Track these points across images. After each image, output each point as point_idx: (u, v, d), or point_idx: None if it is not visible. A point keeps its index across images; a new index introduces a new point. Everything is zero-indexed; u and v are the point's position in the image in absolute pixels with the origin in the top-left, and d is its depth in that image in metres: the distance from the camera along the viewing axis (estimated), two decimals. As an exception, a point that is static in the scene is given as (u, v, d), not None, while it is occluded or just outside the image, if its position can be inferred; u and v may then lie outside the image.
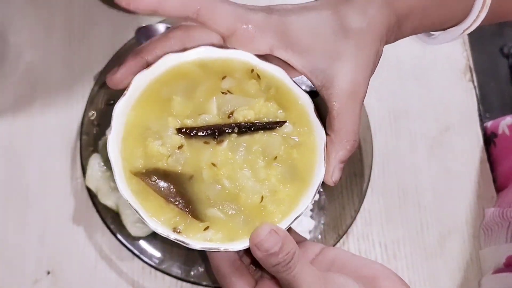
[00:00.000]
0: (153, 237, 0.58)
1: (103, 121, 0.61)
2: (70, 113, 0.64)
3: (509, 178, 0.66)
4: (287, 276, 0.35)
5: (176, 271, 0.57)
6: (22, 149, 0.62)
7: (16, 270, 0.58)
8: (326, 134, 0.40)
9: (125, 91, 0.39)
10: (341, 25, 0.39)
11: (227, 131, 0.39)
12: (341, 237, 0.61)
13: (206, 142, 0.39)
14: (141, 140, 0.39)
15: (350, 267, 0.39)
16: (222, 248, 0.37)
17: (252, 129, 0.40)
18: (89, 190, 0.58)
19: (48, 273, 0.58)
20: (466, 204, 0.66)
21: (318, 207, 0.57)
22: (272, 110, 0.41)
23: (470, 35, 0.74)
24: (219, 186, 0.39)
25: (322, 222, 0.55)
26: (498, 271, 0.59)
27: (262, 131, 0.40)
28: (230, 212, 0.38)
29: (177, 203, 0.38)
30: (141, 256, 0.57)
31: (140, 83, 0.39)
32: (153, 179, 0.38)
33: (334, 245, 0.60)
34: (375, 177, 0.65)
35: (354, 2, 0.40)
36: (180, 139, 0.39)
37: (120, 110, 0.39)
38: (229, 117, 0.40)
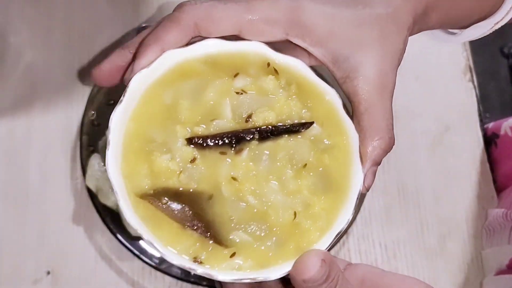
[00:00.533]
0: (153, 237, 0.58)
1: (103, 121, 0.61)
2: (70, 113, 0.64)
3: (510, 178, 0.66)
4: None
5: (176, 271, 0.57)
6: (22, 149, 0.62)
7: (16, 270, 0.58)
8: None
9: (122, 97, 0.33)
10: (363, 10, 0.34)
11: (246, 138, 0.34)
12: (341, 237, 0.61)
13: (222, 153, 0.34)
14: (145, 155, 0.33)
15: (382, 286, 0.35)
16: (260, 278, 0.31)
17: (275, 133, 0.34)
18: (89, 190, 0.58)
19: (48, 273, 0.58)
20: (466, 204, 0.66)
21: None
22: (296, 109, 0.35)
23: (470, 35, 0.74)
24: (243, 203, 0.33)
25: None
26: (500, 272, 0.59)
27: (286, 135, 0.34)
28: (258, 234, 0.33)
29: (195, 227, 0.32)
30: (141, 256, 0.57)
31: (138, 86, 0.33)
32: (164, 201, 0.32)
33: (333, 246, 0.60)
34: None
35: None
36: (192, 151, 0.33)
37: (118, 120, 0.33)
38: (246, 121, 0.35)
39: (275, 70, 0.35)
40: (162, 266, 0.57)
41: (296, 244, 0.33)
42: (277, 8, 0.33)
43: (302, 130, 0.35)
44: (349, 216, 0.34)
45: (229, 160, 0.34)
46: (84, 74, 0.66)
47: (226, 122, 0.34)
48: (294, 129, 0.35)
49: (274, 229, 0.33)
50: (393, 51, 0.35)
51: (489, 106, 1.08)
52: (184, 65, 0.34)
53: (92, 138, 0.61)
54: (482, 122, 0.70)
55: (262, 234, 0.33)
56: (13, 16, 0.67)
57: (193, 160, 0.33)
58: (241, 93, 0.35)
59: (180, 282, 0.59)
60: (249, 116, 0.35)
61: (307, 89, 0.35)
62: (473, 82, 0.72)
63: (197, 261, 0.32)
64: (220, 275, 0.31)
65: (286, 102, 0.35)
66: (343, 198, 0.34)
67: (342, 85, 0.35)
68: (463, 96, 0.71)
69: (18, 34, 0.67)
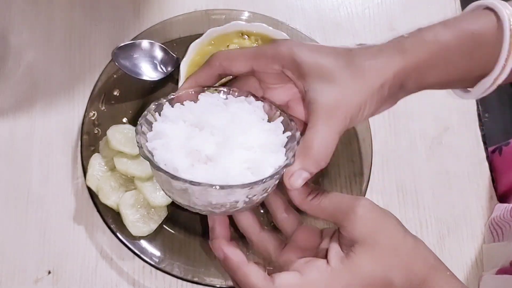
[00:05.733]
0: (154, 237, 0.58)
1: (104, 121, 0.62)
2: (71, 113, 0.64)
3: None
4: None
5: (177, 270, 0.57)
6: (23, 149, 0.62)
7: (18, 269, 0.58)
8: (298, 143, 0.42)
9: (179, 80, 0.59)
10: (347, 61, 0.42)
11: None
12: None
13: None
14: None
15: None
16: None
17: None
18: (89, 190, 0.58)
19: (49, 272, 0.58)
20: (465, 204, 0.66)
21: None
22: None
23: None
24: None
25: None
26: (503, 271, 0.58)
27: None
28: None
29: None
30: (142, 255, 0.57)
31: (182, 70, 0.59)
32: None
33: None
34: (374, 177, 0.65)
35: (369, 49, 0.43)
36: None
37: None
38: None
39: (247, 35, 0.62)
40: (162, 265, 0.57)
41: None
42: (278, 48, 0.44)
43: None
44: None
45: None
46: (85, 74, 0.66)
47: None
48: None
49: None
50: (356, 93, 0.42)
51: (489, 106, 1.08)
52: (200, 50, 0.60)
53: (93, 138, 0.61)
54: (481, 122, 0.70)
55: None
56: (14, 17, 0.68)
57: None
58: None
59: (180, 281, 0.59)
60: None
61: (266, 40, 0.62)
62: (472, 82, 0.72)
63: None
64: None
65: None
66: None
67: (305, 110, 0.43)
68: (462, 96, 0.71)
69: (19, 34, 0.67)
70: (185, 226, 0.60)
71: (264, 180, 0.39)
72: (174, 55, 0.64)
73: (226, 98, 0.47)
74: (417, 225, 0.65)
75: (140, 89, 0.64)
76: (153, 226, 0.58)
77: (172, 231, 0.60)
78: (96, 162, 0.59)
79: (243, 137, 0.42)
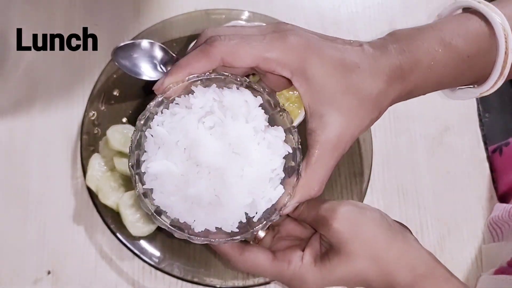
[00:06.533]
0: (153, 237, 0.58)
1: (104, 121, 0.62)
2: (71, 113, 0.64)
3: None
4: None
5: (176, 270, 0.57)
6: (23, 149, 0.62)
7: (17, 269, 0.58)
8: (300, 175, 0.41)
9: None
10: (355, 86, 0.41)
11: None
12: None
13: None
14: None
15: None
16: None
17: None
18: (89, 190, 0.58)
19: (49, 272, 0.58)
20: (465, 204, 0.66)
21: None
22: None
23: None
24: None
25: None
26: (500, 271, 0.58)
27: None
28: None
29: None
30: (141, 255, 0.57)
31: None
32: None
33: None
34: (374, 177, 0.65)
35: (374, 67, 0.41)
36: None
37: None
38: None
39: None
40: (162, 265, 0.57)
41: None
42: (290, 54, 0.40)
43: None
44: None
45: None
46: (85, 74, 0.66)
47: None
48: None
49: None
50: (358, 125, 0.41)
51: (489, 106, 1.08)
52: None
53: (92, 138, 0.61)
54: (482, 122, 0.70)
55: None
56: (14, 17, 0.68)
57: None
58: None
59: (180, 282, 0.59)
60: None
61: None
62: (472, 82, 0.72)
63: None
64: None
65: None
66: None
67: (308, 135, 0.41)
68: (462, 96, 0.71)
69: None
70: (185, 226, 0.60)
71: (265, 223, 0.41)
72: (174, 55, 0.64)
73: (222, 89, 0.41)
74: (417, 225, 0.65)
75: (140, 89, 0.64)
76: (153, 226, 0.58)
77: (172, 231, 0.60)
78: (96, 162, 0.59)
79: (242, 172, 0.39)
